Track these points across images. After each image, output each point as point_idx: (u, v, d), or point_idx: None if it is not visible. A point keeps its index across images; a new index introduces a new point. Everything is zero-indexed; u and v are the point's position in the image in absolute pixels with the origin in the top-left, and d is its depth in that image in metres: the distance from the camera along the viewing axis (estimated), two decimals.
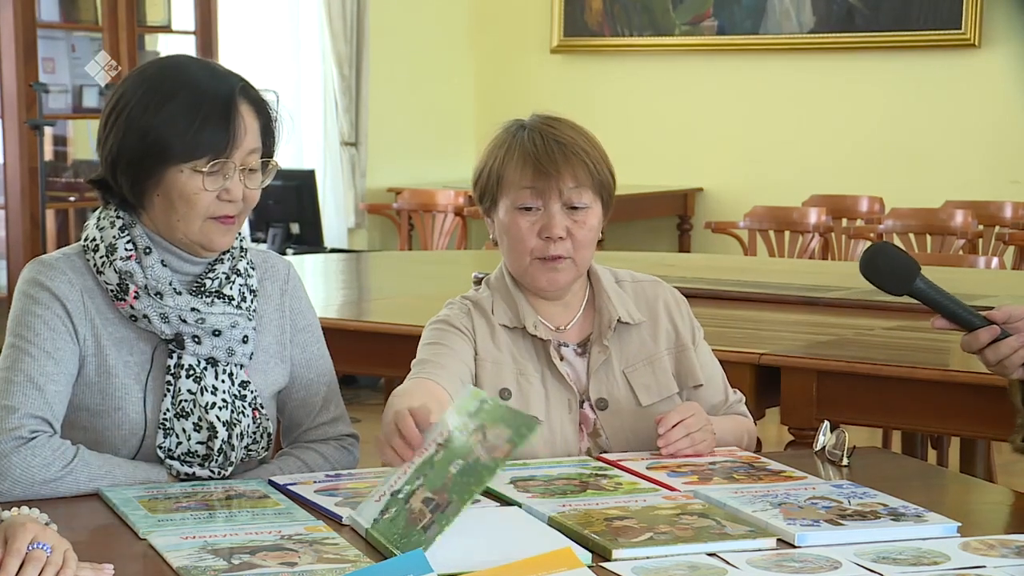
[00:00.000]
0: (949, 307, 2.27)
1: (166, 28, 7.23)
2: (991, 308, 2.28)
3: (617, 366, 2.46)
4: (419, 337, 2.47)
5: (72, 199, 6.86)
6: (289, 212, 7.37)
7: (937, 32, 7.50)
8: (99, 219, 2.30)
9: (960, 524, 1.98)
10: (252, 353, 2.32)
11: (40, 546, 1.70)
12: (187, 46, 7.07)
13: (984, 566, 1.82)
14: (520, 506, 2.05)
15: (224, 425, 2.26)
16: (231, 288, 2.30)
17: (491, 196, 2.43)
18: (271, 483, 2.19)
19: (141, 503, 2.06)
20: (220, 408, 2.26)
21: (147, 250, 2.25)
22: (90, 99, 6.80)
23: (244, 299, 2.32)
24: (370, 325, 3.71)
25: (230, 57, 7.29)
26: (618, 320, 2.46)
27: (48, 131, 6.53)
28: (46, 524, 1.87)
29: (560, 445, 2.40)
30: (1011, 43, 7.37)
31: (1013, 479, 2.89)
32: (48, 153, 6.72)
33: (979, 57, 7.44)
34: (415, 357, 2.43)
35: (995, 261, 5.26)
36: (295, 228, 7.40)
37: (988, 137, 7.43)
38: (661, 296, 2.53)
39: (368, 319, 3.83)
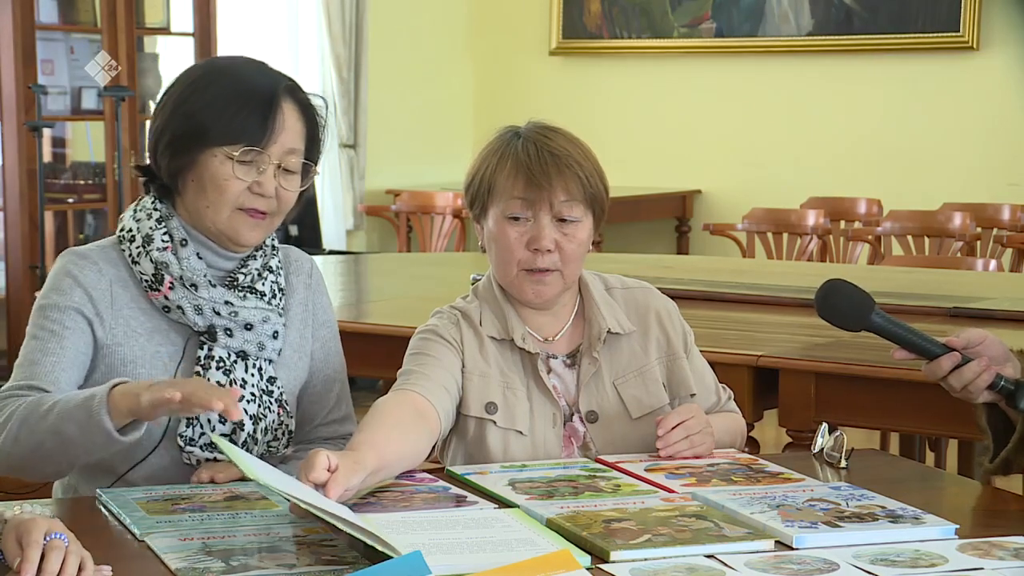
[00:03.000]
0: (908, 338, 2.27)
1: (165, 30, 7.23)
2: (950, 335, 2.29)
3: (607, 378, 2.43)
4: None
5: (71, 200, 6.86)
6: (287, 214, 7.36)
7: (935, 35, 7.50)
8: (135, 211, 2.33)
9: (958, 526, 1.98)
10: (281, 349, 2.35)
11: (57, 536, 1.71)
12: (186, 48, 7.07)
13: (982, 568, 1.82)
14: (518, 508, 2.05)
15: (251, 419, 2.29)
16: (263, 284, 2.34)
17: (481, 203, 2.41)
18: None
19: (139, 504, 2.06)
20: (248, 402, 2.29)
21: (183, 242, 2.28)
22: (89, 101, 6.80)
23: (275, 295, 2.36)
24: (368, 327, 3.72)
25: None
26: (608, 331, 2.44)
27: (47, 133, 6.54)
28: (52, 518, 1.88)
29: (542, 459, 2.37)
30: (1009, 46, 7.38)
31: (1010, 481, 2.89)
32: (47, 155, 6.72)
33: (977, 60, 7.44)
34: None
35: (993, 263, 5.26)
36: (293, 230, 7.40)
37: (986, 139, 7.43)
38: (652, 304, 2.50)
39: (366, 321, 3.84)
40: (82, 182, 6.81)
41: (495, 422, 2.37)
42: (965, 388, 2.25)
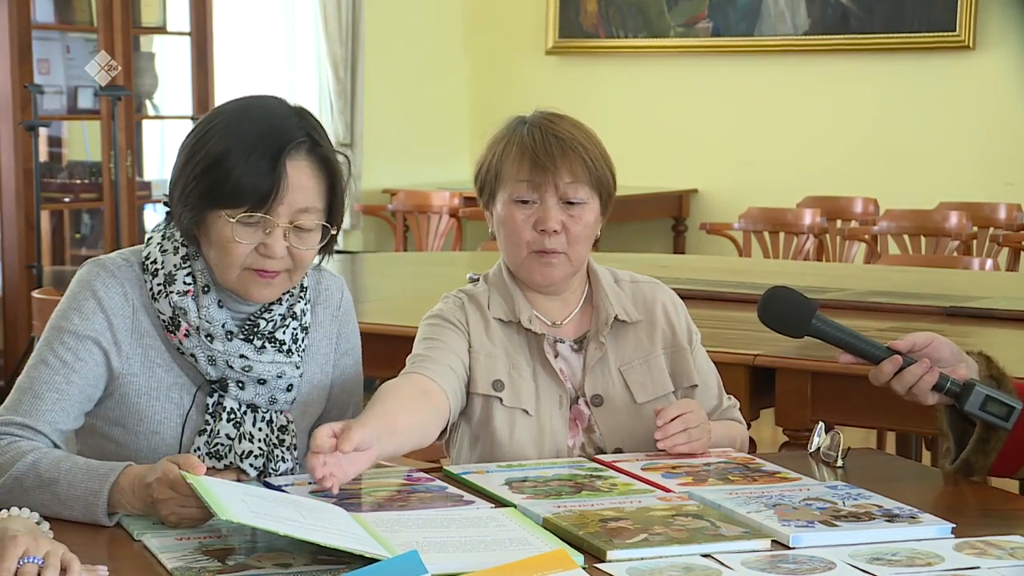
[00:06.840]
0: (851, 342, 2.28)
1: (161, 29, 7.23)
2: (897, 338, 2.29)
3: (613, 363, 2.46)
4: (414, 338, 2.48)
5: (67, 200, 6.86)
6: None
7: (931, 34, 7.51)
8: (163, 238, 2.23)
9: (954, 525, 1.98)
10: (295, 399, 2.29)
11: (31, 560, 1.66)
12: (182, 47, 7.07)
13: (978, 567, 1.83)
14: (515, 507, 2.05)
15: (258, 473, 2.24)
16: (284, 332, 2.25)
17: (490, 190, 2.45)
18: (266, 484, 2.18)
19: None
20: (256, 456, 2.24)
21: (206, 288, 2.19)
22: (85, 100, 6.80)
23: (296, 340, 2.27)
24: (365, 326, 3.65)
25: (225, 59, 7.29)
26: (615, 318, 2.46)
27: (43, 132, 6.54)
28: (37, 523, 1.86)
29: (548, 441, 2.40)
30: (1005, 45, 7.38)
31: (1006, 481, 2.89)
32: (43, 154, 6.72)
33: (973, 59, 7.45)
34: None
35: (989, 263, 5.27)
36: None
37: (982, 139, 7.44)
38: (659, 298, 2.53)
39: (363, 320, 3.79)
40: (78, 181, 6.81)
41: (501, 400, 2.39)
42: (910, 391, 2.26)
